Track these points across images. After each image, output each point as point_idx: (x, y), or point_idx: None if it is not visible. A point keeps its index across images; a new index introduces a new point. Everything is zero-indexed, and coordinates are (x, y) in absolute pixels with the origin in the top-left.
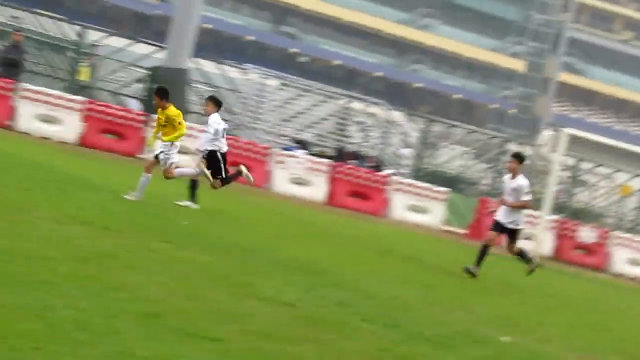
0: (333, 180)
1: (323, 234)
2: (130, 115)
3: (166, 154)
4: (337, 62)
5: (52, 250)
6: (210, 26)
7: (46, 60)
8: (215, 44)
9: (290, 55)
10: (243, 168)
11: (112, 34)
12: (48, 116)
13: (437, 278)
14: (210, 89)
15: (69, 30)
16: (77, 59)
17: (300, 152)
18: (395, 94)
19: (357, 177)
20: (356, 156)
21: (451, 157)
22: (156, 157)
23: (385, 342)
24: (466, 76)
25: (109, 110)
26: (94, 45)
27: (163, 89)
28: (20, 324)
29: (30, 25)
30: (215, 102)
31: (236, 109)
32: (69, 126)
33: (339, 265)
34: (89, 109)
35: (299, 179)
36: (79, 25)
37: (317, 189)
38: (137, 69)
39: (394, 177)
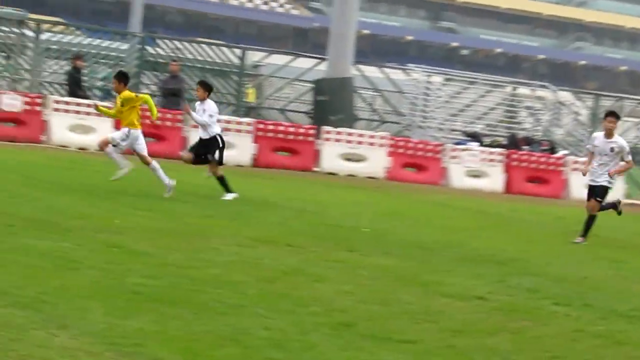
0: (509, 168)
1: (505, 222)
2: (300, 131)
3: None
4: (498, 50)
5: (239, 274)
6: (368, 31)
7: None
8: (376, 48)
9: (451, 50)
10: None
11: (272, 53)
12: None
13: (625, 253)
14: (376, 93)
15: (230, 55)
16: (242, 82)
17: (473, 145)
18: (560, 74)
19: (532, 162)
20: (529, 141)
21: (624, 130)
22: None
23: (580, 323)
24: (630, 47)
25: (279, 128)
26: (256, 66)
27: (122, 73)
28: (216, 350)
29: (192, 55)
30: (206, 87)
31: (403, 110)
32: (242, 149)
33: (525, 251)
34: (260, 129)
35: (475, 171)
36: (239, 48)
37: (494, 179)
38: (302, 84)
39: (569, 158)
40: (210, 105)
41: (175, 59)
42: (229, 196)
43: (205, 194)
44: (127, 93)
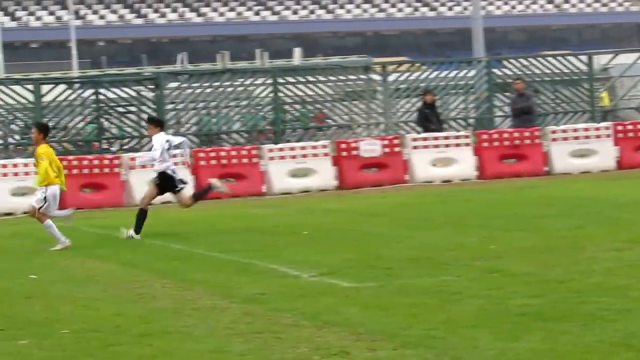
0: None
1: None
2: None
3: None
4: None
5: (621, 278)
6: None
7: (564, 98)
8: None
9: None
10: (213, 181)
11: (619, 53)
12: (581, 150)
13: None
14: None
15: (577, 63)
16: (593, 87)
17: None
18: None
19: None
20: None
21: None
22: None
23: None
24: None
25: (638, 127)
26: (605, 69)
27: (42, 124)
28: (610, 358)
29: (540, 70)
30: (157, 123)
31: None
32: (604, 153)
33: None
34: (619, 131)
35: None
36: (585, 54)
37: None
38: None
39: None
40: (158, 139)
41: (519, 77)
42: (124, 232)
43: (574, 204)
44: (44, 147)
